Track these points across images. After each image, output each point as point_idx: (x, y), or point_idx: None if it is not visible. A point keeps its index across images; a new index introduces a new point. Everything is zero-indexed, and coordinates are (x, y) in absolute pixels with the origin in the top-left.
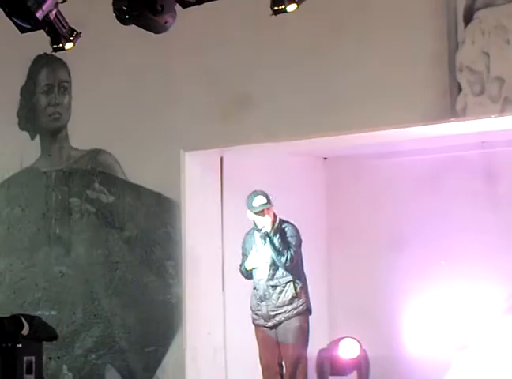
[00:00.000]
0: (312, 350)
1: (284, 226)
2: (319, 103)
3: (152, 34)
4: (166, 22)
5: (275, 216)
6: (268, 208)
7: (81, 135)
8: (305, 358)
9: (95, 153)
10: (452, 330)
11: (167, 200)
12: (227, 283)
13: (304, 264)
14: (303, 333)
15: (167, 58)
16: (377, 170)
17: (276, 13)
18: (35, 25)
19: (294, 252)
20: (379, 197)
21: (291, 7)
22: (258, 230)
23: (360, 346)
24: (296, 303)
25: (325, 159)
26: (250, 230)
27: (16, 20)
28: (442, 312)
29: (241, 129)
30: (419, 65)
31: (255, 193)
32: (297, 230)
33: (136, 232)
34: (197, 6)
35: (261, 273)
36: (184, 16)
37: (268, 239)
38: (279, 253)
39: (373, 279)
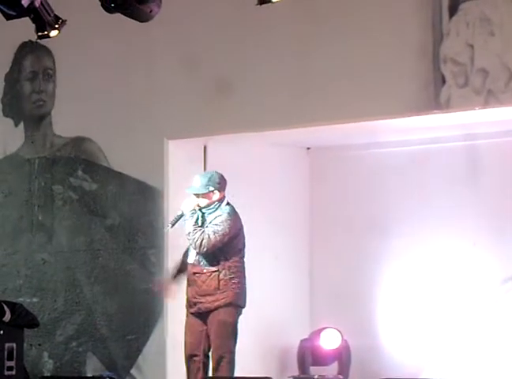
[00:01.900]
0: (294, 341)
1: (218, 211)
2: (303, 93)
3: (137, 22)
4: (151, 11)
5: (220, 199)
6: (206, 194)
7: (65, 122)
8: (229, 352)
9: (78, 141)
10: (435, 320)
11: (150, 188)
12: None
13: (286, 255)
14: (226, 327)
15: (152, 46)
16: (360, 161)
17: (261, 2)
18: (21, 12)
19: (214, 239)
20: (362, 188)
21: None
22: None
23: (342, 336)
24: (219, 295)
25: (308, 149)
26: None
27: (1, 6)
28: (425, 301)
29: (225, 118)
30: (404, 57)
31: (202, 175)
32: (234, 220)
33: (118, 220)
34: None
35: (190, 257)
36: (169, 5)
37: (184, 222)
38: (194, 233)
39: (355, 270)
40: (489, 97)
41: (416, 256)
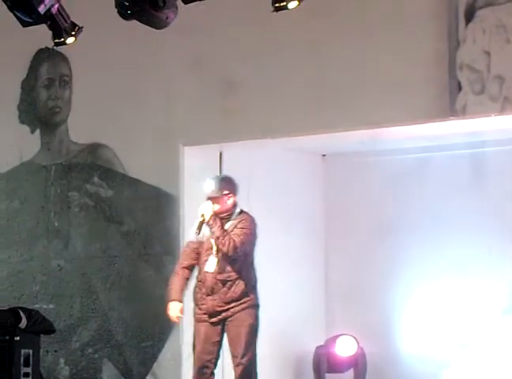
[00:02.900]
0: (309, 347)
1: (234, 217)
2: (318, 100)
3: (154, 29)
4: (167, 17)
5: (233, 205)
6: (217, 198)
7: (81, 129)
8: (254, 355)
9: (94, 147)
10: (451, 327)
11: (165, 194)
12: None
13: (301, 261)
14: (251, 330)
15: (167, 53)
16: (375, 168)
17: (277, 9)
18: (37, 19)
19: (240, 242)
20: (377, 194)
21: (293, 4)
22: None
23: (357, 343)
24: (246, 299)
25: (323, 155)
26: None
27: (18, 13)
28: (441, 308)
29: (240, 124)
30: (420, 64)
31: (214, 178)
32: (253, 226)
33: (134, 226)
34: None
35: (210, 266)
36: (185, 12)
37: (207, 228)
38: (218, 239)
39: (371, 276)
40: (505, 104)
41: (431, 261)
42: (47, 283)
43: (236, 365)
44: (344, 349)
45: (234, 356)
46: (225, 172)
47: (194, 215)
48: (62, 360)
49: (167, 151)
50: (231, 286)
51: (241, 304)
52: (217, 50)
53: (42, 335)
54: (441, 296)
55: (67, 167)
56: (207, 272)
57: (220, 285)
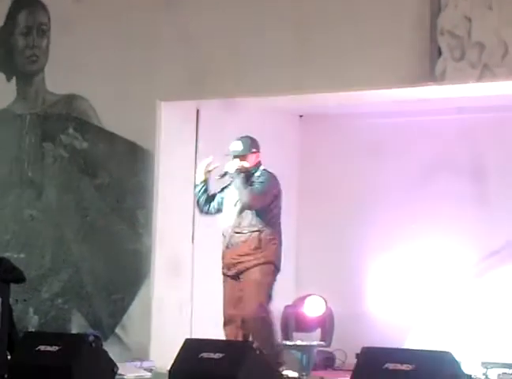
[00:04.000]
0: (278, 307)
1: (258, 173)
2: (297, 61)
3: None
4: None
5: (257, 164)
6: (244, 156)
7: (58, 79)
8: (267, 312)
9: (70, 98)
10: (419, 289)
11: (141, 149)
12: (197, 235)
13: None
14: (263, 286)
15: (148, 8)
16: (353, 131)
17: None
18: None
19: (260, 193)
20: (353, 157)
21: None
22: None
23: (326, 303)
24: (259, 254)
25: (301, 116)
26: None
27: None
28: (410, 273)
29: (218, 82)
30: (401, 27)
31: (239, 138)
32: (274, 182)
33: (108, 180)
34: None
35: (229, 219)
36: None
37: (231, 179)
38: (241, 190)
39: (341, 238)
40: (484, 71)
41: (403, 224)
42: (18, 233)
43: (242, 319)
44: (313, 309)
45: (243, 309)
46: (201, 130)
47: (169, 170)
48: (31, 309)
49: (143, 106)
50: (246, 239)
51: (254, 259)
52: (197, 8)
53: (12, 283)
54: (411, 258)
55: (42, 117)
56: (227, 226)
57: (237, 238)
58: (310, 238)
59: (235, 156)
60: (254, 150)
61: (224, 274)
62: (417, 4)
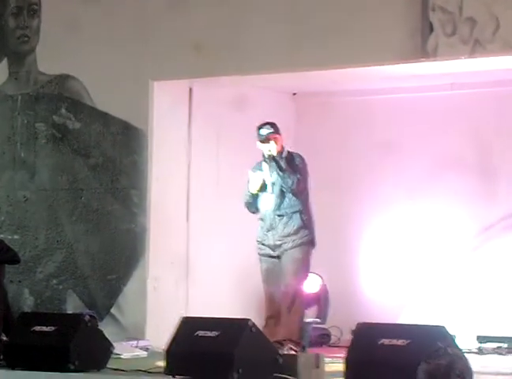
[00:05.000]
0: None
1: (292, 155)
2: (291, 38)
3: None
4: None
5: (282, 147)
6: (274, 136)
7: (50, 60)
8: (302, 290)
9: (62, 78)
10: (415, 266)
11: (134, 129)
12: (192, 214)
13: None
14: (305, 265)
15: None
16: (346, 108)
17: None
18: None
19: (301, 177)
20: (347, 135)
21: None
22: (266, 160)
23: (322, 281)
24: (302, 233)
25: (294, 94)
26: (256, 165)
27: None
28: (406, 249)
29: (211, 60)
30: (392, 3)
31: (263, 124)
32: (305, 162)
33: (102, 160)
34: None
35: (268, 203)
36: None
37: (274, 162)
38: (285, 174)
39: (336, 216)
40: (476, 47)
41: (401, 202)
42: (12, 214)
43: (282, 295)
44: (308, 286)
45: (283, 285)
46: (195, 109)
47: (162, 150)
48: (26, 290)
49: (136, 85)
50: (287, 221)
51: (296, 240)
52: None
53: (6, 264)
54: (407, 234)
55: (34, 98)
56: (266, 210)
57: (278, 220)
58: None
59: (263, 141)
60: (280, 133)
61: (263, 255)
62: None
